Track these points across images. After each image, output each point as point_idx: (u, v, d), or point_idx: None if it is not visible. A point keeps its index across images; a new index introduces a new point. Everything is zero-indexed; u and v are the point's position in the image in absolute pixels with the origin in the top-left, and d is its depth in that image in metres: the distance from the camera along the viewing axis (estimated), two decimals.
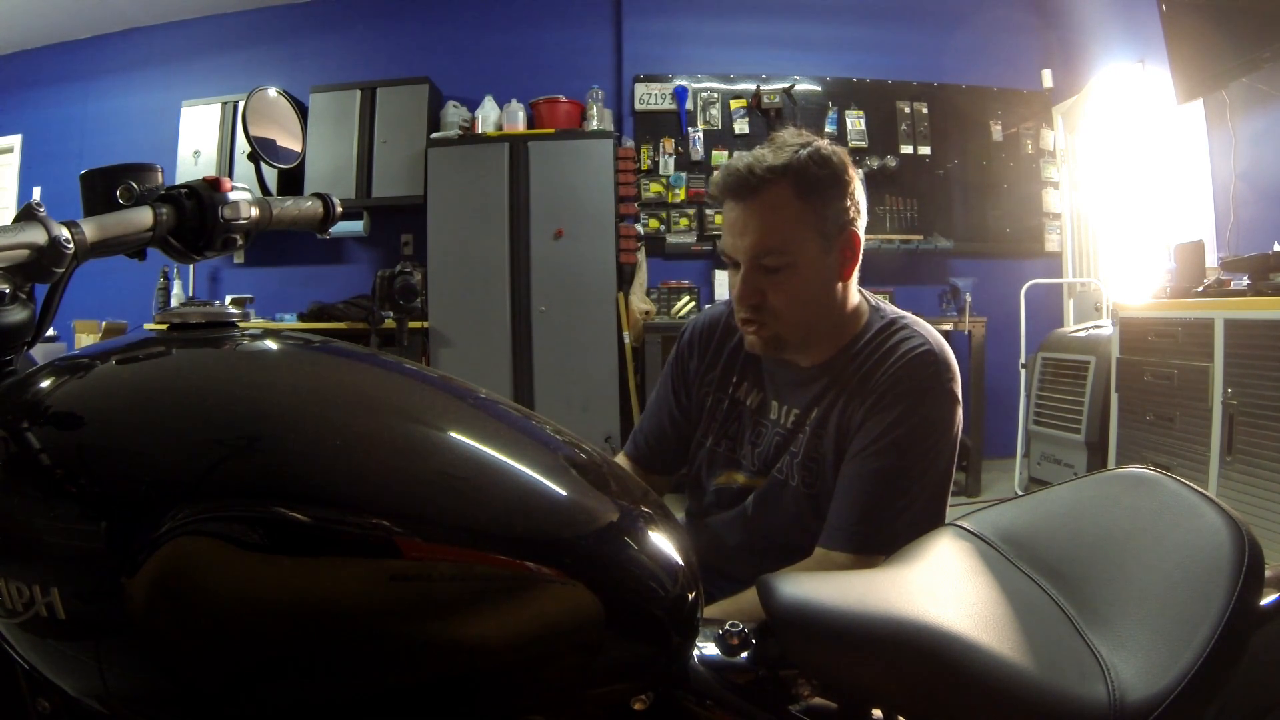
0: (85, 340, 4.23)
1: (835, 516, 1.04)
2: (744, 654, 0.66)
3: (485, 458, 0.63)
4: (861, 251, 1.09)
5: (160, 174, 0.78)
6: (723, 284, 4.39)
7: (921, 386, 1.04)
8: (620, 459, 1.33)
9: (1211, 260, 3.12)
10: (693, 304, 4.34)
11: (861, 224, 1.09)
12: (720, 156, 4.57)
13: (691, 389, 1.24)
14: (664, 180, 4.55)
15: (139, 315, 4.35)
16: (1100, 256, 4.45)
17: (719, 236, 4.49)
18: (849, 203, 1.06)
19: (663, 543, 0.62)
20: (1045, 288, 4.40)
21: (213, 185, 0.78)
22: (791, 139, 1.06)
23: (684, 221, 4.56)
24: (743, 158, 1.04)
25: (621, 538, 0.60)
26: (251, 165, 1.00)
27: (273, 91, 1.09)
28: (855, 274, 1.11)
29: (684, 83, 4.62)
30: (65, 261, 0.63)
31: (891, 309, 1.15)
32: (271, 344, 0.73)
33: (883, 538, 0.99)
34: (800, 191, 1.02)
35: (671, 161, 4.56)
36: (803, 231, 1.03)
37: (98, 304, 4.21)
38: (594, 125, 4.31)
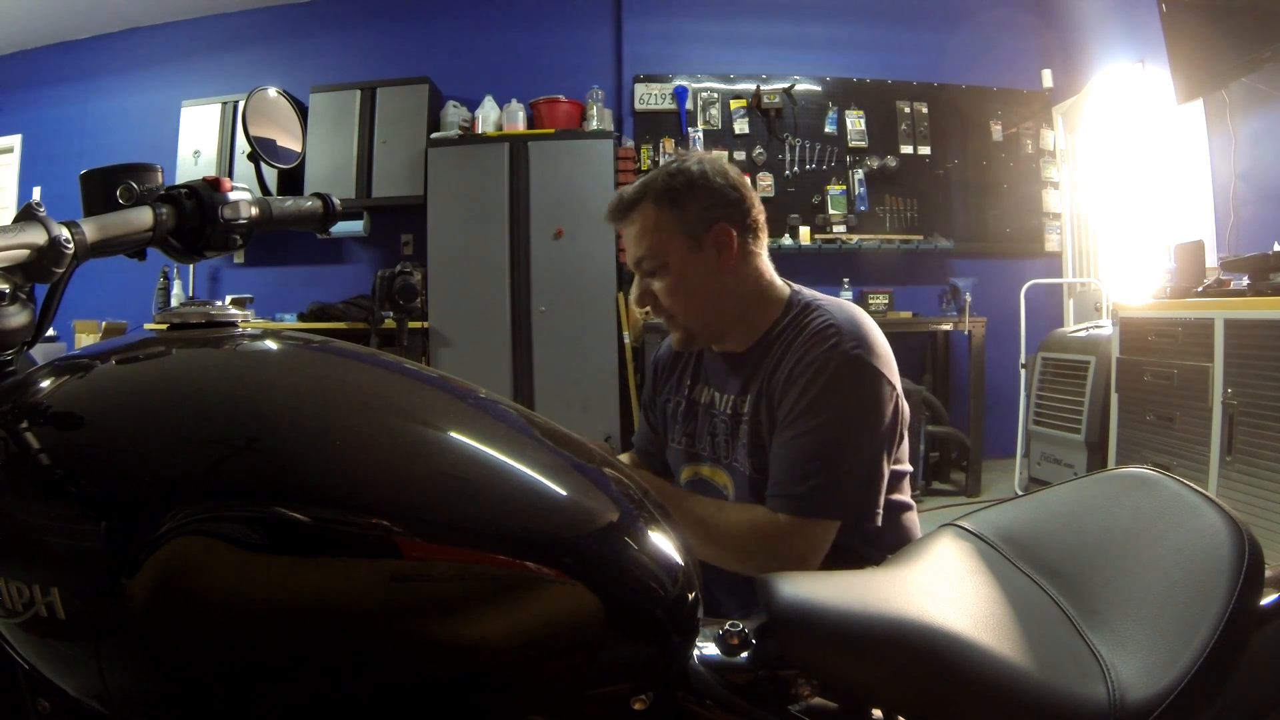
0: (85, 340, 4.23)
1: (770, 485, 1.10)
2: (744, 654, 0.66)
3: (485, 458, 0.63)
4: (744, 242, 1.19)
5: (160, 174, 0.78)
6: None
7: (824, 356, 1.10)
8: (625, 458, 1.42)
9: (1211, 260, 3.12)
10: None
11: (744, 217, 1.19)
12: (720, 156, 4.57)
13: (660, 403, 1.35)
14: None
15: (139, 315, 4.35)
16: (1100, 256, 4.45)
17: None
18: (713, 201, 1.17)
19: (663, 543, 0.62)
20: (1045, 288, 4.40)
21: (213, 185, 0.78)
22: (666, 164, 1.21)
23: None
24: (622, 189, 1.21)
25: (621, 538, 0.60)
26: (251, 165, 1.00)
27: (273, 91, 1.09)
28: (761, 264, 1.22)
29: (684, 83, 4.62)
30: (65, 261, 0.63)
31: (811, 293, 1.24)
32: (271, 344, 0.73)
33: (814, 500, 1.05)
34: (659, 203, 1.16)
35: None
36: (667, 236, 1.16)
37: (98, 304, 4.21)
38: (594, 125, 4.31)
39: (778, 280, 1.24)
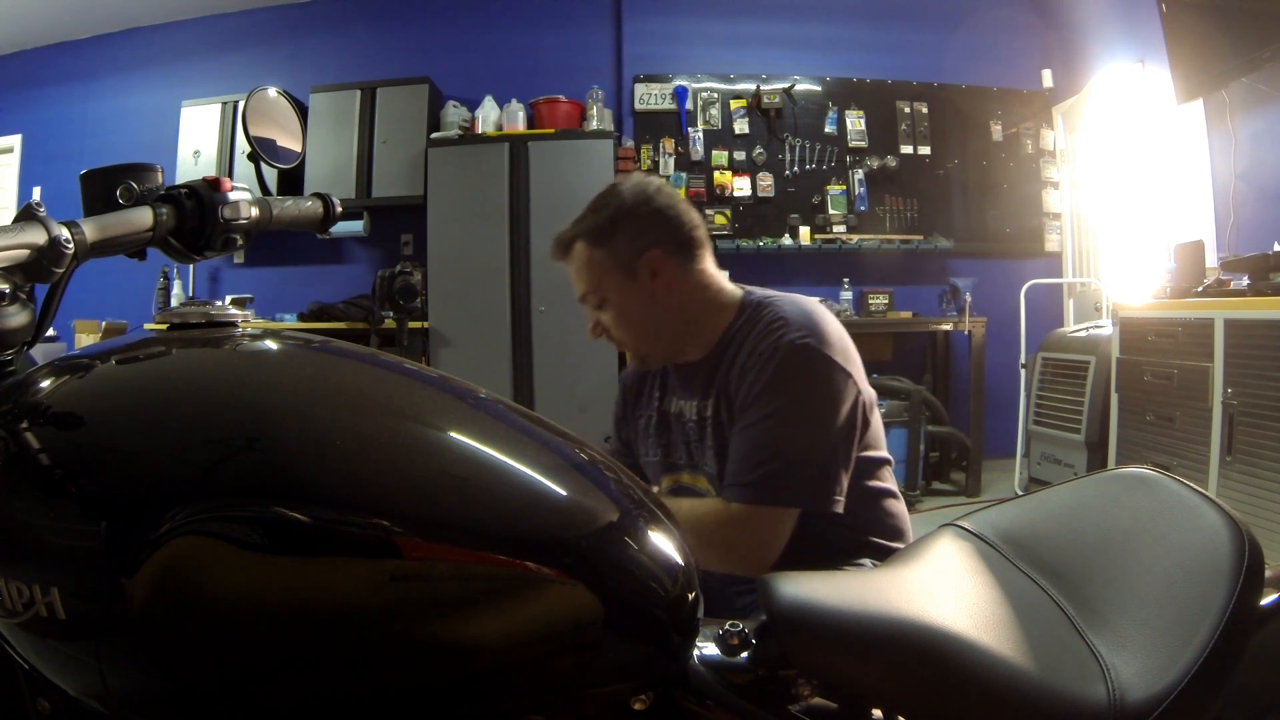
0: (85, 340, 4.23)
1: (729, 474, 1.12)
2: (744, 654, 0.66)
3: (485, 458, 0.63)
4: (671, 266, 1.19)
5: (160, 174, 0.78)
6: None
7: (771, 346, 1.12)
8: None
9: (1211, 260, 3.12)
10: None
11: (676, 237, 1.20)
12: (720, 156, 4.58)
13: (632, 420, 1.38)
14: (664, 180, 4.55)
15: (139, 315, 4.35)
16: (1100, 256, 4.45)
17: (719, 237, 4.52)
18: (639, 230, 1.19)
19: (663, 543, 0.62)
20: (1045, 288, 4.40)
21: (213, 185, 0.77)
22: (603, 193, 1.24)
23: None
24: (561, 228, 1.25)
25: (621, 538, 0.60)
26: (251, 165, 1.00)
27: (273, 91, 1.09)
28: (704, 276, 1.23)
29: (684, 83, 4.62)
30: (65, 261, 0.63)
31: (764, 292, 1.25)
32: (271, 344, 0.73)
33: (770, 487, 1.06)
34: (590, 240, 1.20)
35: (671, 161, 4.56)
36: (602, 273, 1.20)
37: (98, 304, 4.20)
38: (594, 125, 4.31)
39: (727, 286, 1.25)
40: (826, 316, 1.17)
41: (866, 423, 1.16)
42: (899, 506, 1.21)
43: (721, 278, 1.26)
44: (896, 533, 1.19)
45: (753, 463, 1.08)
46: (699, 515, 1.09)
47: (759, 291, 1.26)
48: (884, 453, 1.21)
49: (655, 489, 1.30)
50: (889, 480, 1.20)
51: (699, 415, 1.22)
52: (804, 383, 1.10)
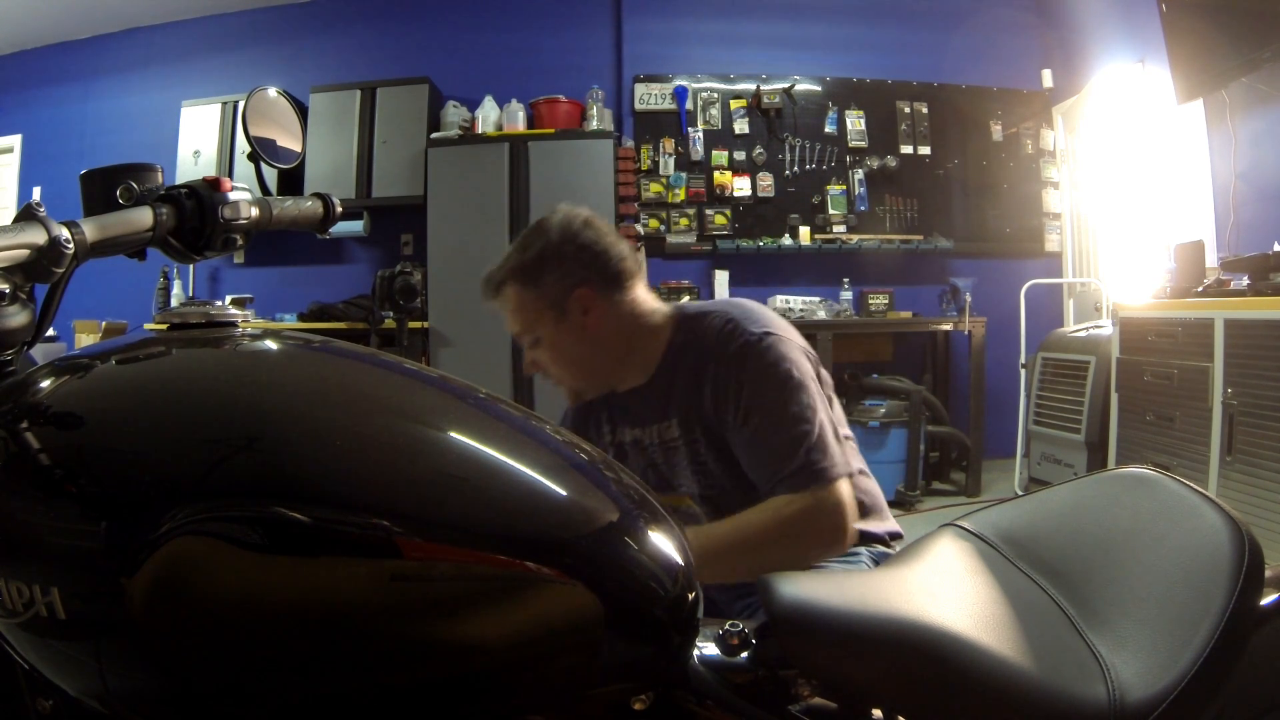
0: (85, 340, 4.23)
1: (764, 479, 1.12)
2: (744, 654, 0.66)
3: (485, 458, 0.63)
4: (601, 300, 1.20)
5: (160, 174, 0.78)
6: (722, 284, 4.40)
7: (739, 347, 1.14)
8: None
9: (1211, 260, 3.12)
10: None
11: (604, 271, 1.20)
12: (720, 156, 4.58)
13: None
14: (664, 180, 4.55)
15: (139, 315, 4.35)
16: (1100, 256, 4.45)
17: (719, 237, 4.52)
18: (567, 269, 1.19)
19: (662, 543, 0.62)
20: (1045, 288, 4.40)
21: (213, 185, 0.77)
22: (524, 233, 1.23)
23: (684, 221, 4.56)
24: (491, 266, 1.23)
25: (621, 538, 0.60)
26: (251, 165, 1.00)
27: (273, 91, 1.09)
28: (636, 305, 1.23)
29: (684, 83, 4.62)
30: (65, 261, 0.63)
31: (694, 304, 1.28)
32: (271, 344, 0.73)
33: (810, 471, 1.08)
34: (519, 282, 1.20)
35: (671, 161, 4.56)
36: (534, 313, 1.20)
37: (98, 304, 4.20)
38: (594, 125, 4.31)
39: (659, 306, 1.26)
40: (765, 308, 1.22)
41: (829, 398, 1.20)
42: (870, 483, 1.23)
43: (653, 299, 1.26)
44: (869, 509, 1.21)
45: (787, 454, 1.09)
46: (769, 523, 1.08)
47: (691, 305, 1.27)
48: (846, 430, 1.23)
49: None
50: (858, 459, 1.22)
51: (660, 438, 1.22)
52: (783, 369, 1.13)
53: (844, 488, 1.10)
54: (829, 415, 1.15)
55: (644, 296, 1.25)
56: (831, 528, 1.08)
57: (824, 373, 1.21)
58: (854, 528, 1.11)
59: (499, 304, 1.23)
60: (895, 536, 1.24)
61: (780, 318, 1.21)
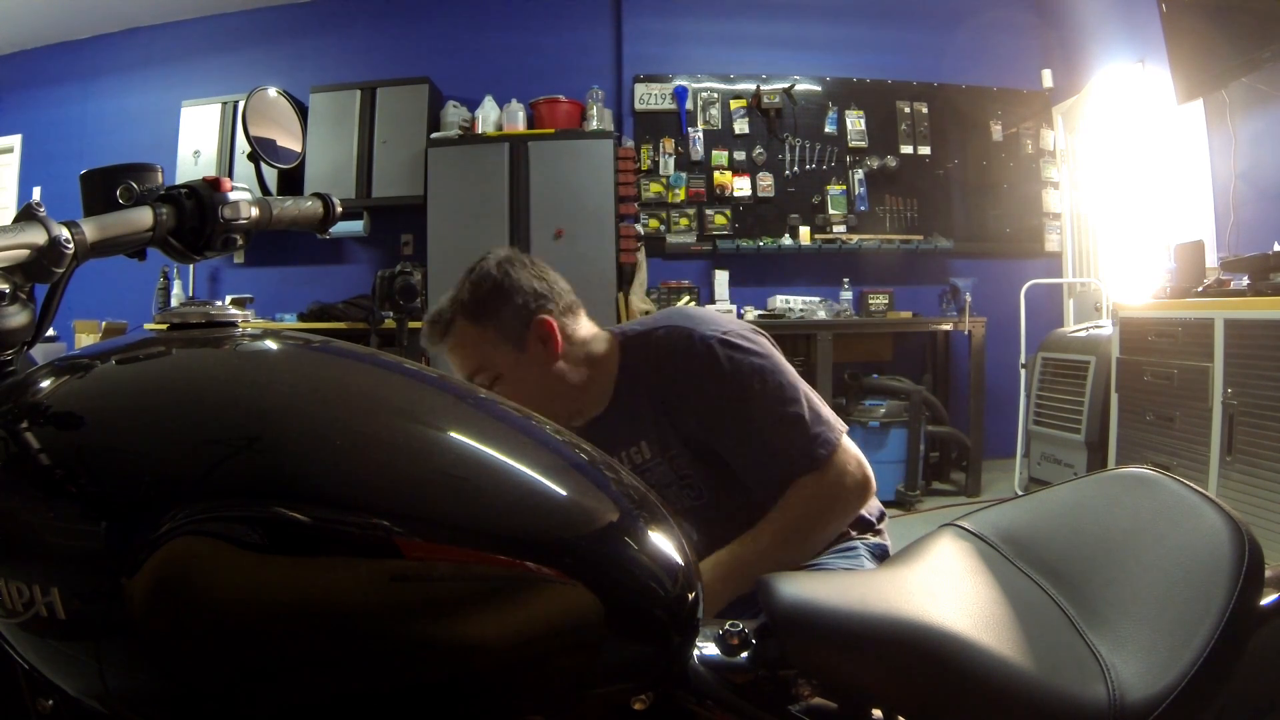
0: (85, 340, 4.23)
1: (770, 472, 1.12)
2: (744, 654, 0.66)
3: (485, 458, 0.63)
4: (559, 329, 1.19)
5: (160, 174, 0.77)
6: (722, 284, 4.39)
7: (700, 353, 1.12)
8: None
9: (1211, 260, 3.12)
10: (692, 304, 4.34)
11: (556, 301, 1.21)
12: (720, 156, 4.58)
13: None
14: (664, 180, 4.55)
15: (139, 315, 4.35)
16: (1100, 256, 4.45)
17: (719, 237, 4.52)
18: (524, 299, 1.18)
19: (663, 543, 0.62)
20: (1045, 288, 4.40)
21: (213, 185, 0.77)
22: (463, 277, 1.23)
23: (684, 221, 4.56)
24: (439, 302, 1.21)
25: (621, 538, 0.60)
26: (251, 165, 1.00)
27: (273, 91, 1.09)
28: (583, 332, 1.23)
29: (684, 83, 4.62)
30: (65, 261, 0.63)
31: (638, 323, 1.26)
32: (271, 344, 0.73)
33: (816, 445, 1.10)
34: (472, 318, 1.17)
35: (671, 161, 4.56)
36: (490, 349, 1.17)
37: (98, 304, 4.20)
38: (594, 125, 4.31)
39: (600, 332, 1.25)
40: (707, 310, 1.23)
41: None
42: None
43: (594, 326, 1.26)
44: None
45: (791, 441, 1.10)
46: (800, 513, 1.10)
47: (628, 326, 1.26)
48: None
49: None
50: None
51: (632, 462, 1.20)
52: (752, 363, 1.12)
53: (848, 442, 1.13)
54: (804, 386, 1.15)
55: (588, 325, 1.25)
56: (858, 485, 1.11)
57: (744, 333, 1.19)
58: (872, 479, 1.14)
59: (447, 345, 1.20)
60: (882, 518, 1.24)
61: (722, 314, 1.19)
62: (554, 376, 1.19)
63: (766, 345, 1.16)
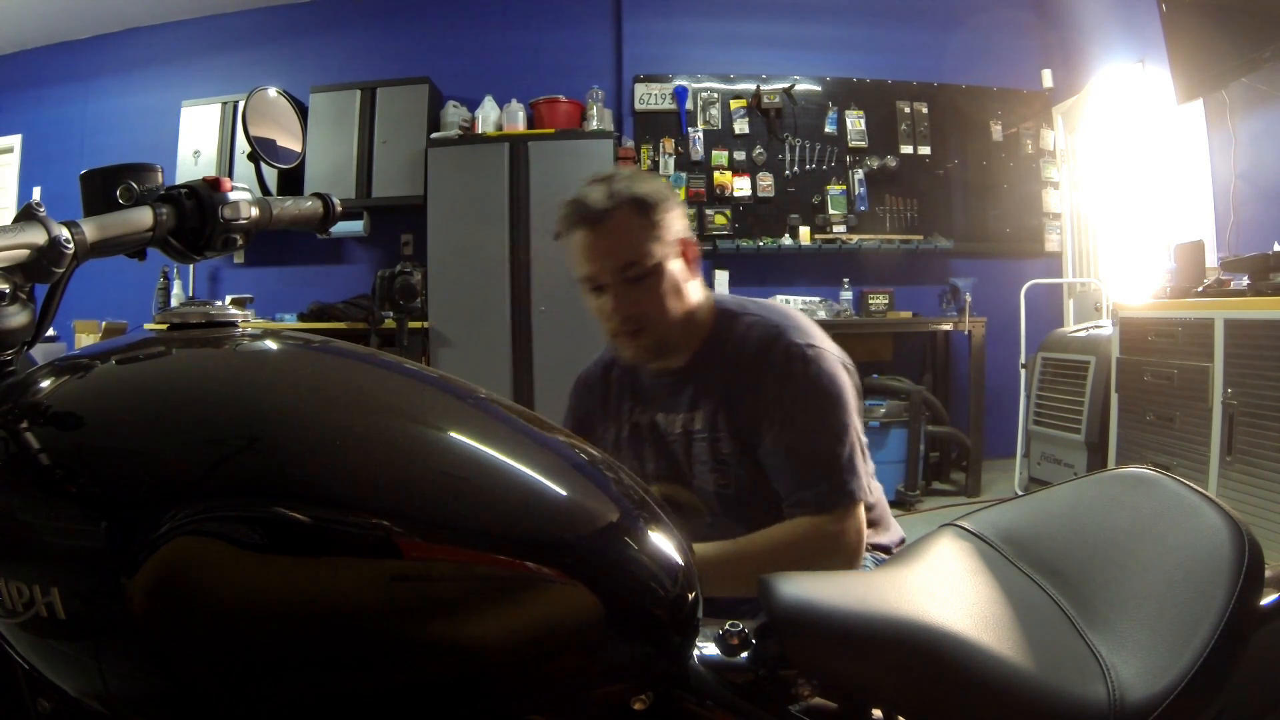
0: (85, 340, 4.23)
1: (787, 496, 1.12)
2: (744, 654, 0.66)
3: (485, 458, 0.63)
4: (699, 256, 1.23)
5: (160, 174, 0.77)
6: (722, 284, 4.39)
7: (783, 355, 1.14)
8: None
9: (1211, 260, 3.12)
10: None
11: (689, 233, 1.24)
12: (720, 156, 4.58)
13: (593, 430, 1.32)
14: (664, 180, 4.55)
15: (139, 315, 4.35)
16: (1100, 256, 4.45)
17: (719, 237, 4.52)
18: (679, 214, 1.21)
19: (663, 543, 0.62)
20: (1045, 288, 4.40)
21: (213, 185, 0.77)
22: (619, 173, 1.23)
23: None
24: (582, 192, 1.18)
25: (621, 538, 0.60)
26: (251, 165, 0.99)
27: (273, 91, 1.09)
28: (699, 276, 1.24)
29: (684, 83, 4.62)
30: (65, 261, 0.63)
31: (734, 299, 1.27)
32: (271, 344, 0.73)
33: (835, 492, 1.09)
34: (638, 210, 1.16)
35: (671, 161, 4.56)
36: (650, 243, 1.16)
37: (98, 304, 4.20)
38: (594, 125, 4.31)
39: (707, 291, 1.26)
40: (805, 317, 1.21)
41: (860, 409, 1.20)
42: (878, 489, 1.23)
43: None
44: (875, 520, 1.21)
45: (813, 475, 1.10)
46: (783, 544, 1.09)
47: (727, 298, 1.27)
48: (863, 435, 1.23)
49: None
50: (869, 461, 1.22)
51: (684, 428, 1.21)
52: (823, 382, 1.13)
53: (861, 512, 1.11)
54: (860, 435, 1.15)
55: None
56: (848, 550, 1.10)
57: (857, 380, 1.20)
58: (863, 551, 1.13)
59: (599, 230, 1.15)
60: (900, 543, 1.24)
61: (819, 328, 1.20)
62: (683, 296, 1.19)
63: (846, 380, 1.16)
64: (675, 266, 1.18)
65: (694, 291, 1.21)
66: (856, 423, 1.14)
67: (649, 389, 1.27)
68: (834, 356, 1.16)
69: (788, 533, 1.09)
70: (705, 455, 1.19)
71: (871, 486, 1.19)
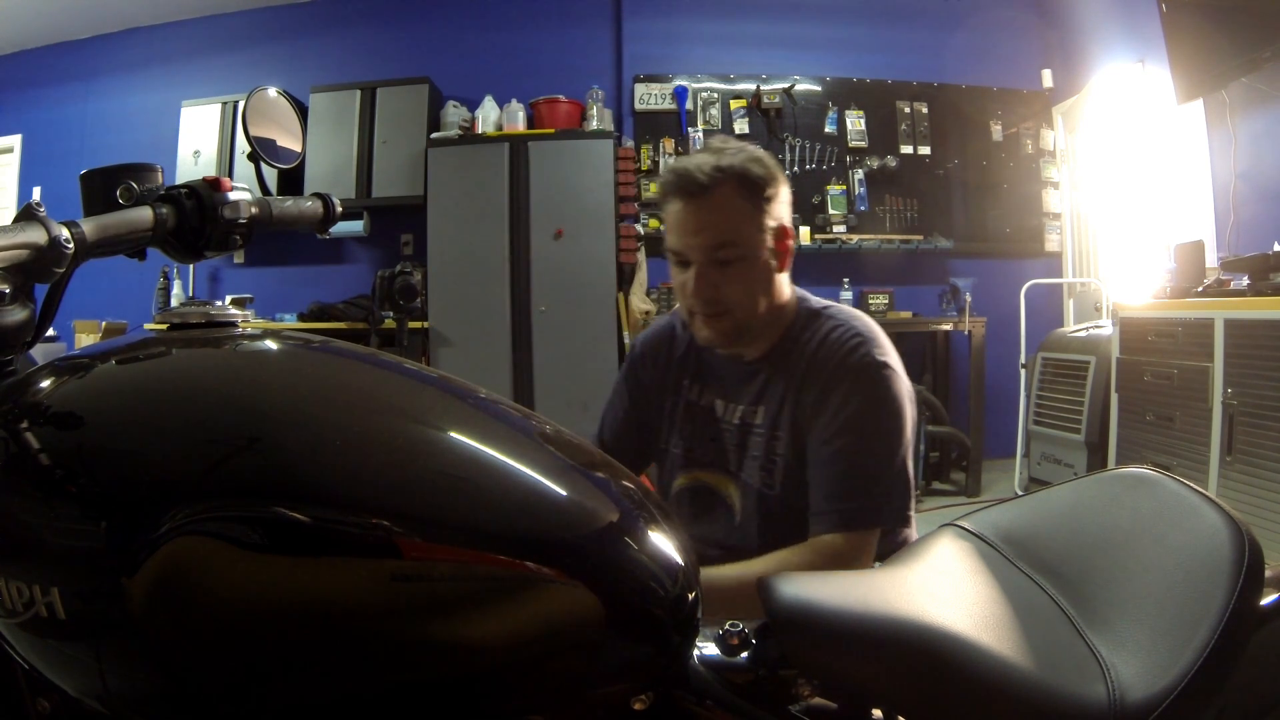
0: (85, 340, 4.23)
1: (816, 504, 1.08)
2: (744, 654, 0.66)
3: (485, 458, 0.63)
4: (792, 249, 1.17)
5: (160, 174, 0.78)
6: None
7: (858, 368, 1.11)
8: None
9: (1211, 260, 3.12)
10: None
11: (790, 221, 1.17)
12: None
13: (650, 396, 1.29)
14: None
15: (139, 315, 4.35)
16: (1100, 256, 4.45)
17: None
18: (782, 200, 1.15)
19: (663, 543, 0.62)
20: (1045, 288, 4.40)
21: (213, 185, 0.77)
22: (728, 144, 1.15)
23: None
24: (689, 160, 1.12)
25: (621, 538, 0.60)
26: (251, 165, 0.99)
27: (273, 91, 1.09)
28: (789, 269, 1.19)
29: (684, 83, 4.62)
30: (65, 261, 0.63)
31: (817, 300, 1.22)
32: (271, 344, 0.73)
33: (867, 511, 1.06)
34: (743, 190, 1.10)
35: (671, 161, 4.56)
36: (749, 226, 1.11)
37: (98, 304, 4.20)
38: (594, 125, 4.31)
39: (792, 286, 1.22)
40: (884, 334, 1.17)
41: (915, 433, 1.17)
42: (914, 522, 1.20)
43: None
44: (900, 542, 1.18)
45: (848, 489, 1.06)
46: (791, 567, 1.04)
47: (811, 298, 1.22)
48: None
49: (674, 481, 1.25)
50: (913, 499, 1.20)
51: (743, 420, 1.17)
52: (889, 404, 1.09)
53: (875, 538, 1.08)
54: (908, 467, 1.12)
55: None
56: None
57: (915, 415, 1.16)
58: None
59: (701, 203, 1.09)
60: (904, 542, 1.22)
61: (894, 349, 1.16)
62: (770, 287, 1.14)
63: (909, 410, 1.13)
64: (768, 255, 1.13)
65: (782, 284, 1.17)
66: (907, 454, 1.10)
67: (714, 372, 1.23)
68: (905, 383, 1.13)
69: (800, 558, 1.06)
70: (759, 450, 1.16)
71: (910, 518, 1.16)
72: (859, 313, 1.19)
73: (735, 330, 1.15)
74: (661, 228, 4.55)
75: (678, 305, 1.22)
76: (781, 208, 1.14)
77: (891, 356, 1.13)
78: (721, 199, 1.09)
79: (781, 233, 1.14)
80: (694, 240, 1.10)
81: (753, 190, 1.10)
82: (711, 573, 1.02)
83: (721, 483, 1.21)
